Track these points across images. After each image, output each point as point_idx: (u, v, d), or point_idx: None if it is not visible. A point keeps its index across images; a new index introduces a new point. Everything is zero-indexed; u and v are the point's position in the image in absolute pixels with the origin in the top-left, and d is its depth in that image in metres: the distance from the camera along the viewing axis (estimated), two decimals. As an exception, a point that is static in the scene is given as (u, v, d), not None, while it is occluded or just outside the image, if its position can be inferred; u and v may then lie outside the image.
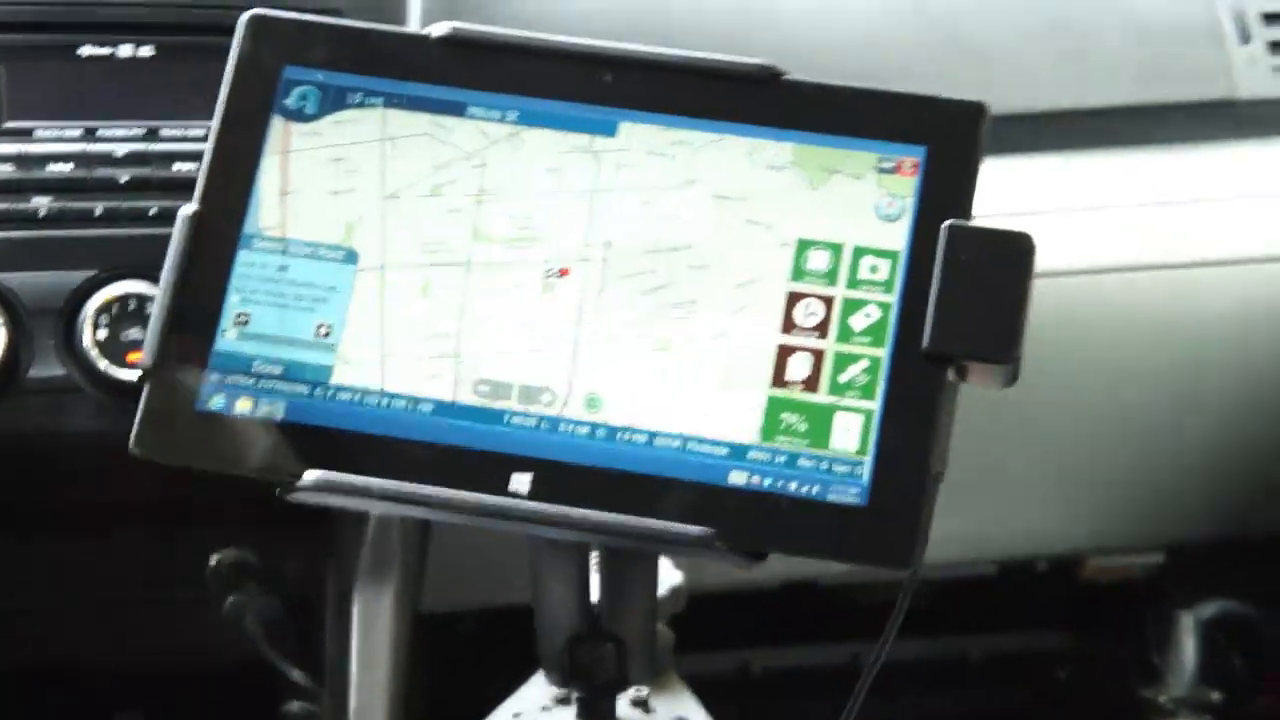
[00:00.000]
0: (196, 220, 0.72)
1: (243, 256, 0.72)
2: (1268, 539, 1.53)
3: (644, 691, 0.86)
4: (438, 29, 0.74)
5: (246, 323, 0.72)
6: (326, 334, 0.72)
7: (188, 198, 1.01)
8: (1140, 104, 1.21)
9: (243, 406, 0.71)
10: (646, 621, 0.79)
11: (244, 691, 1.16)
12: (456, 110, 0.73)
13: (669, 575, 0.85)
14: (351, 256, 0.72)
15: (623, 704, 0.83)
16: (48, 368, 1.00)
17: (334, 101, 0.74)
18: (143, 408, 0.71)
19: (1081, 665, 1.68)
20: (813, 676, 1.52)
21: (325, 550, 1.15)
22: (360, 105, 0.74)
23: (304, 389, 0.71)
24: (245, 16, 0.75)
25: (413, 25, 1.06)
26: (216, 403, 0.71)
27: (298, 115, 0.74)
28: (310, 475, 0.69)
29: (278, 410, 0.71)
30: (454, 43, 0.74)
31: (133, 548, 1.14)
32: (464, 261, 0.71)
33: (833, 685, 1.29)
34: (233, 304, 0.72)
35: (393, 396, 0.71)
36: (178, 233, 0.72)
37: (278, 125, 0.74)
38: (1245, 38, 1.26)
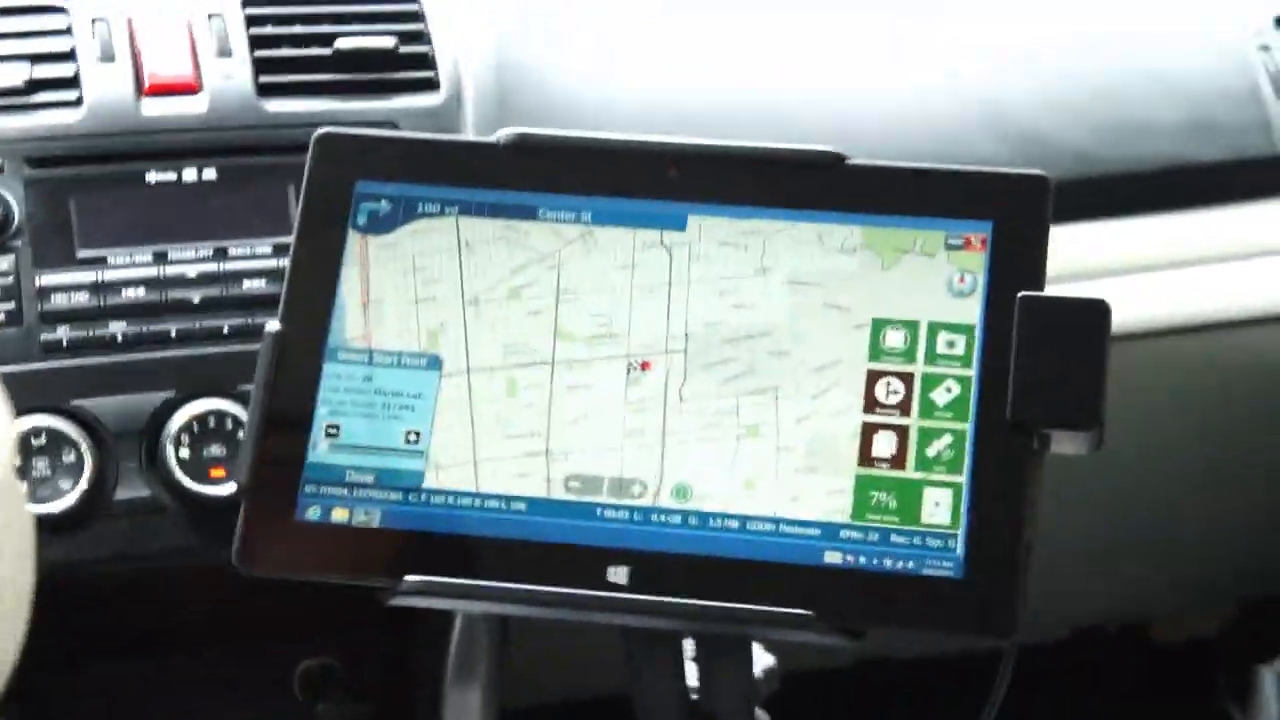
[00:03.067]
0: (281, 337, 0.74)
1: (329, 369, 0.74)
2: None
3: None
4: (504, 135, 0.76)
5: (337, 434, 0.74)
6: (416, 440, 0.73)
7: (259, 314, 1.04)
8: (1182, 164, 1.22)
9: (339, 516, 0.73)
10: (745, 705, 0.80)
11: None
12: (529, 214, 0.75)
13: (762, 657, 0.86)
14: (436, 363, 0.74)
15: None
16: (133, 489, 1.02)
17: (407, 212, 0.76)
18: (241, 523, 0.73)
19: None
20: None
21: (410, 653, 1.16)
22: (434, 215, 0.76)
23: (398, 495, 0.73)
24: (316, 135, 0.77)
25: (468, 136, 1.08)
26: (313, 514, 0.73)
27: (373, 228, 0.76)
28: (411, 579, 0.71)
29: (374, 517, 0.73)
30: (521, 148, 0.76)
31: (218, 664, 1.15)
32: (547, 360, 0.73)
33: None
34: (322, 416, 0.74)
35: (486, 497, 0.72)
36: (264, 350, 0.74)
37: (354, 239, 0.76)
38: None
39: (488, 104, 1.11)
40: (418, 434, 0.73)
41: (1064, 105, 1.21)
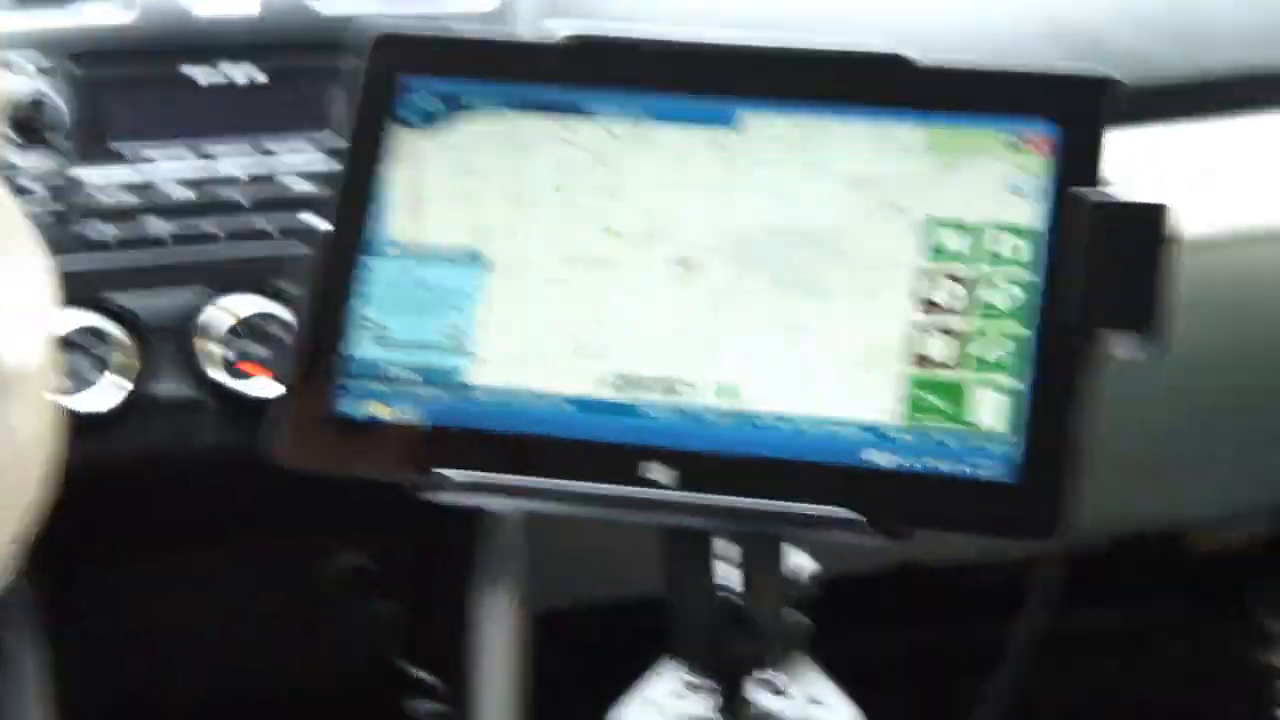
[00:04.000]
0: (329, 234, 0.74)
1: (374, 265, 0.74)
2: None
3: (778, 675, 0.86)
4: (557, 33, 0.75)
5: (381, 329, 0.73)
6: (460, 337, 0.73)
7: (301, 214, 1.04)
8: (1247, 70, 1.20)
9: (380, 411, 0.72)
10: (780, 606, 0.79)
11: (370, 696, 1.17)
12: (580, 110, 0.74)
13: (800, 560, 0.86)
14: (482, 259, 0.73)
15: (756, 688, 0.84)
16: (172, 386, 1.02)
17: (456, 107, 0.75)
18: (284, 419, 0.72)
19: (1195, 637, 1.67)
20: (941, 657, 1.52)
21: (439, 551, 1.16)
22: (483, 110, 0.75)
23: (440, 391, 0.72)
24: (371, 34, 0.76)
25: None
26: (356, 410, 0.72)
27: (422, 123, 0.75)
28: (454, 475, 0.70)
29: (416, 414, 0.72)
30: (574, 45, 0.75)
31: (250, 560, 1.16)
32: (595, 259, 0.72)
33: (964, 664, 1.29)
34: (366, 312, 0.73)
35: (528, 394, 0.72)
36: (313, 248, 0.74)
37: (402, 134, 0.75)
38: None
39: (541, 8, 1.10)
40: (462, 331, 0.73)
41: (1125, 10, 1.20)
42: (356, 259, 0.74)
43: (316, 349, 0.73)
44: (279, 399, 0.73)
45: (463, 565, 1.13)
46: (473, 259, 0.73)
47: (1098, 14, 1.19)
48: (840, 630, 0.85)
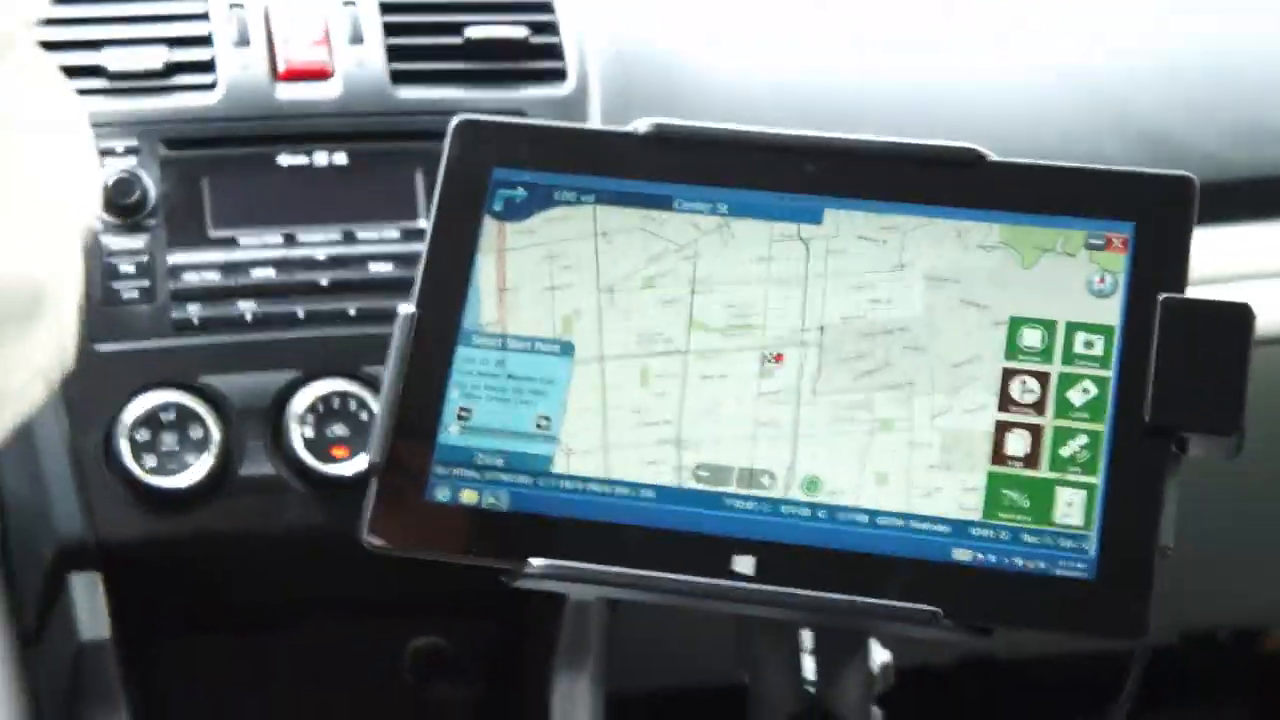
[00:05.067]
0: (415, 320, 0.75)
1: (462, 353, 0.75)
2: None
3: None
4: (642, 125, 0.76)
5: (468, 417, 0.74)
6: (547, 425, 0.74)
7: (385, 298, 1.06)
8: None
9: (468, 497, 0.74)
10: (864, 700, 0.80)
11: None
12: (665, 204, 0.75)
13: (878, 652, 0.86)
14: (569, 349, 0.74)
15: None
16: (257, 466, 1.04)
17: (544, 200, 0.76)
18: (371, 501, 0.74)
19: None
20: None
21: (518, 636, 1.17)
22: (571, 203, 0.76)
23: (527, 479, 0.73)
24: (454, 122, 0.78)
25: (603, 125, 1.08)
26: (443, 494, 0.74)
27: (510, 215, 0.76)
28: (537, 563, 0.71)
29: (502, 500, 0.73)
30: (658, 138, 0.76)
31: (331, 641, 1.17)
32: (681, 350, 0.73)
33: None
34: (454, 399, 0.75)
35: (614, 484, 0.73)
36: (398, 332, 0.75)
37: (491, 225, 0.76)
38: None
39: (615, 94, 1.12)
40: (549, 419, 0.74)
41: (1192, 106, 1.20)
42: (447, 346, 0.75)
43: (406, 434, 0.74)
44: (370, 484, 0.74)
45: (543, 647, 1.14)
46: (561, 349, 0.75)
47: (1165, 109, 1.20)
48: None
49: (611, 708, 1.19)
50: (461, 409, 0.74)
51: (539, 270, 0.76)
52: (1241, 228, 1.17)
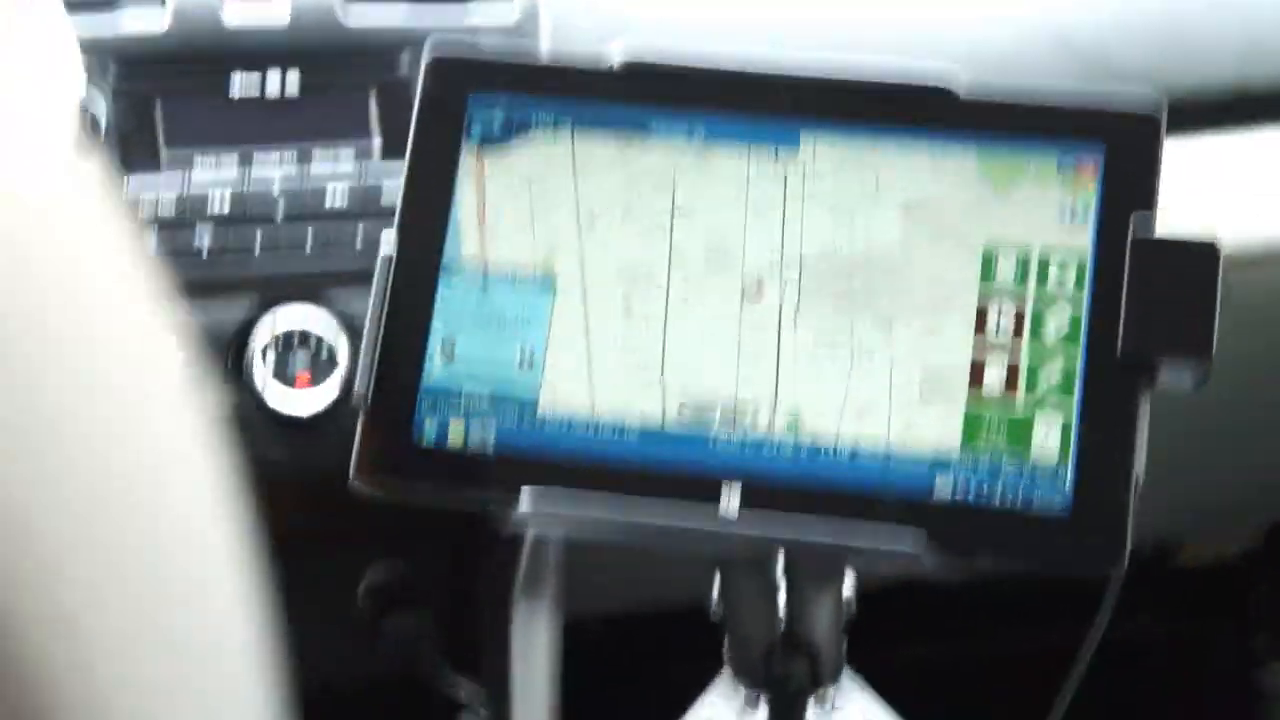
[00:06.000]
0: (396, 255, 0.74)
1: (444, 287, 0.74)
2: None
3: (829, 692, 0.88)
4: (616, 53, 0.76)
5: (452, 352, 0.74)
6: (531, 359, 0.73)
7: (343, 224, 1.05)
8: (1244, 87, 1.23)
9: (455, 437, 0.73)
10: (836, 627, 0.81)
11: (407, 707, 1.18)
12: (643, 129, 0.75)
13: (848, 582, 0.87)
14: (550, 281, 0.74)
15: (811, 706, 0.85)
16: (217, 398, 1.03)
17: (521, 126, 0.76)
18: (358, 443, 0.73)
19: (1184, 650, 1.69)
20: (976, 669, 1.54)
21: (478, 563, 1.17)
22: (548, 128, 0.75)
23: (512, 416, 0.73)
24: (429, 48, 0.77)
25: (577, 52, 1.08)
26: (430, 434, 0.73)
27: (488, 142, 0.75)
28: (526, 500, 0.71)
29: (489, 438, 0.73)
30: (634, 66, 0.76)
31: (291, 571, 1.17)
32: (662, 280, 0.73)
33: (996, 678, 1.30)
34: (437, 334, 0.74)
35: (600, 421, 0.73)
36: (380, 268, 0.74)
37: (468, 155, 0.76)
38: None
39: (567, 15, 1.11)
40: (532, 353, 0.74)
41: (1130, 28, 1.22)
42: (429, 280, 0.74)
43: (390, 373, 0.73)
44: (357, 426, 0.73)
45: (501, 576, 1.14)
46: (543, 281, 0.74)
47: (1104, 29, 1.21)
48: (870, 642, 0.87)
49: (570, 632, 1.20)
50: (445, 344, 0.74)
51: (518, 200, 0.75)
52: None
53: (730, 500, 0.70)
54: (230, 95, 1.06)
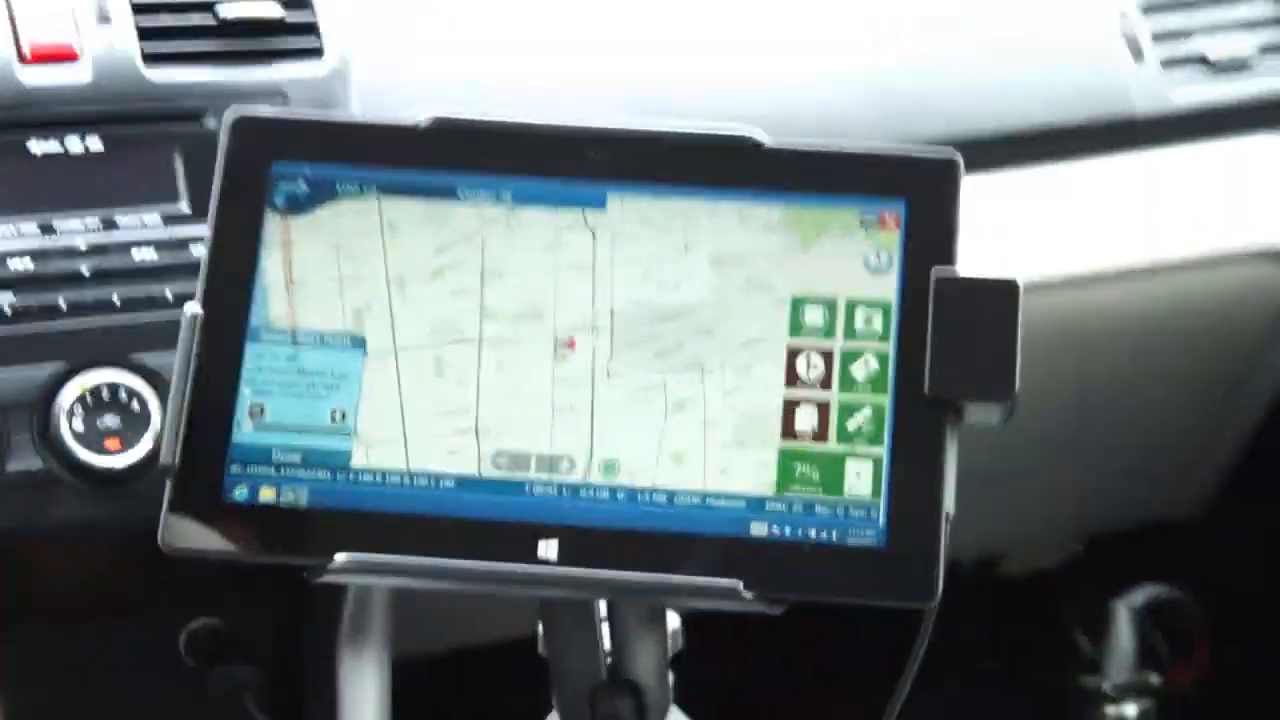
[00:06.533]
0: (201, 319, 0.74)
1: (252, 350, 0.74)
2: (1179, 524, 1.60)
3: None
4: (423, 116, 0.76)
5: (262, 413, 0.74)
6: (343, 419, 0.74)
7: (150, 284, 1.04)
8: (1047, 127, 1.27)
9: (267, 496, 0.73)
10: (661, 667, 0.82)
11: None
12: (450, 193, 0.76)
13: (672, 619, 0.89)
14: (361, 342, 0.75)
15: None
16: (25, 462, 1.01)
17: (326, 192, 0.76)
18: (166, 504, 0.73)
19: (1006, 658, 1.74)
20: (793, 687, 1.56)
21: (301, 614, 1.17)
22: (354, 194, 0.76)
23: (325, 474, 0.73)
24: (230, 116, 0.77)
25: (385, 115, 1.08)
26: (240, 494, 0.73)
27: (292, 208, 0.76)
28: (340, 557, 0.71)
29: (301, 497, 0.73)
30: (440, 128, 0.76)
31: (108, 633, 1.15)
32: (473, 339, 0.74)
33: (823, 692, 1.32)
34: (246, 397, 0.74)
35: (414, 475, 0.73)
36: (184, 331, 0.74)
37: (273, 219, 0.76)
38: (1138, 56, 1.33)
39: (375, 74, 1.12)
40: (344, 413, 0.74)
41: (939, 72, 1.25)
42: (235, 344, 0.74)
43: (199, 435, 0.73)
44: (165, 488, 0.73)
45: (327, 622, 1.14)
46: (353, 342, 0.75)
47: (917, 78, 1.25)
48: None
49: (398, 673, 1.20)
50: (254, 405, 0.74)
51: (326, 263, 0.75)
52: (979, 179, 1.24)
53: (548, 550, 0.71)
54: (32, 154, 1.05)
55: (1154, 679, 1.63)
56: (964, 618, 1.72)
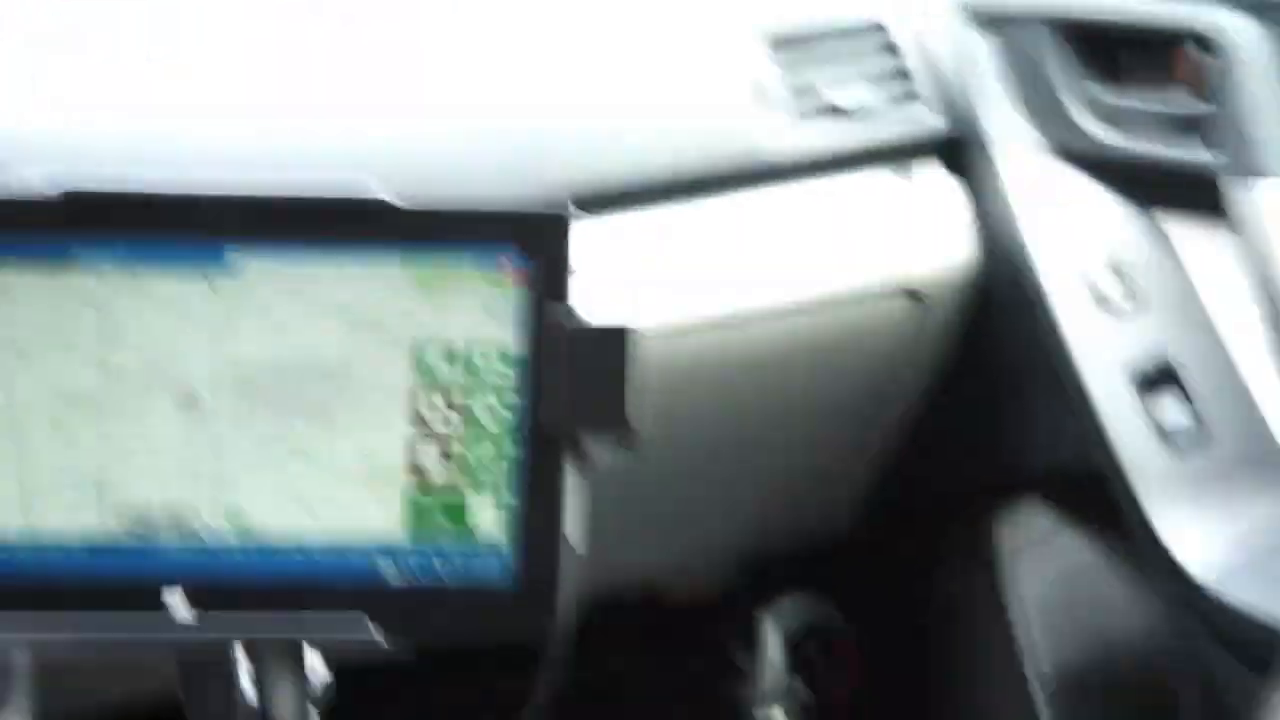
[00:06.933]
0: None
1: None
2: (829, 544, 1.67)
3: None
4: (35, 185, 0.75)
5: None
6: None
7: None
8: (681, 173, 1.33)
9: None
10: (304, 707, 0.83)
11: None
12: (69, 259, 0.75)
13: (315, 661, 0.90)
14: None
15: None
16: None
17: None
18: None
19: (665, 680, 1.80)
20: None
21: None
22: None
23: None
24: None
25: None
26: None
27: None
28: None
29: None
30: (61, 196, 0.75)
31: None
32: (96, 402, 0.74)
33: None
34: None
35: (37, 534, 0.73)
36: None
37: None
38: (769, 105, 1.39)
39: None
40: None
41: (564, 128, 1.30)
42: None
43: None
44: None
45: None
46: None
47: (544, 135, 1.29)
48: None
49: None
50: None
51: None
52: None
53: (176, 604, 0.72)
54: None
55: (801, 685, 1.71)
56: (630, 644, 1.77)
